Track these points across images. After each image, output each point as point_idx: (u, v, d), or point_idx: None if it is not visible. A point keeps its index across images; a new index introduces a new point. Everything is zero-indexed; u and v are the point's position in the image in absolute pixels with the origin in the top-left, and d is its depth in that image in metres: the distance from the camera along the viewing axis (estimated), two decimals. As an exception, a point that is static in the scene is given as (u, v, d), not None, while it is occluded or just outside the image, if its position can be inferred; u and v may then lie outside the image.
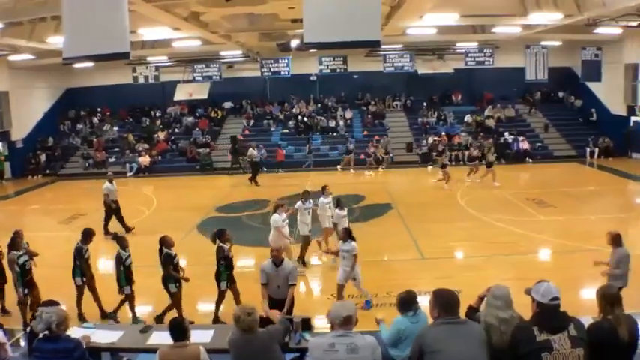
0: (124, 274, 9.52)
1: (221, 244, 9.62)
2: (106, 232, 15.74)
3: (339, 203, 12.86)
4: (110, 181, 16.77)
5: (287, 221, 11.87)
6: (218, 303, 9.51)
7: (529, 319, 4.58)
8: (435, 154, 26.08)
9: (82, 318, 9.48)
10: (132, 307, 9.72)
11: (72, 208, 20.31)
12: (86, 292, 9.90)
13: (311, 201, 12.95)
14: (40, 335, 5.29)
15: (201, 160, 29.05)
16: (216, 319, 9.39)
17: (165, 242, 9.40)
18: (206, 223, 17.41)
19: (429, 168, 26.04)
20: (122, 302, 9.77)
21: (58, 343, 5.21)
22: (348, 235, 9.79)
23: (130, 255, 9.71)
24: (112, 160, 29.80)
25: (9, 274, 9.81)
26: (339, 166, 27.76)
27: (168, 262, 9.25)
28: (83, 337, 6.40)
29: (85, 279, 9.82)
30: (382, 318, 6.13)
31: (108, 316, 9.78)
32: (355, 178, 25.56)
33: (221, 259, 9.47)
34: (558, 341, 4.28)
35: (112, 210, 16.42)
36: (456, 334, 4.49)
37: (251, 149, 25.82)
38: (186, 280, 9.40)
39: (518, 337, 4.50)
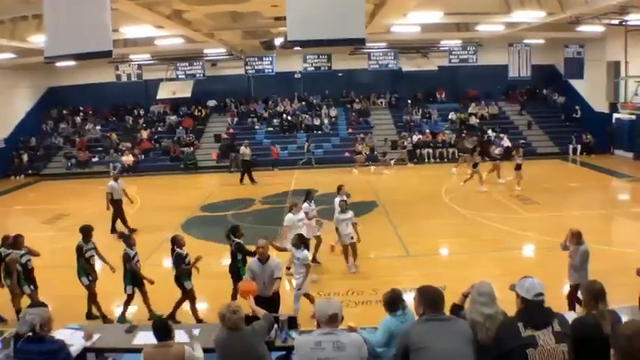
0: (131, 274, 9.51)
1: (236, 239, 9.60)
2: (113, 230, 15.71)
3: (307, 197, 12.68)
4: (115, 180, 16.59)
5: (303, 220, 11.54)
6: (235, 298, 9.36)
7: (514, 316, 4.60)
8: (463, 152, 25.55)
9: (96, 317, 9.56)
10: (125, 306, 9.64)
11: (55, 208, 20.12)
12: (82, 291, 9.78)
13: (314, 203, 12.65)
14: (24, 337, 5.23)
15: (185, 159, 28.92)
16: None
17: (176, 242, 9.45)
18: (191, 222, 17.35)
19: (454, 169, 24.86)
20: (142, 299, 9.75)
21: (42, 345, 5.16)
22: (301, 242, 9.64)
23: (137, 253, 9.66)
24: (95, 159, 29.56)
25: None
26: (354, 169, 26.46)
27: (180, 261, 9.31)
28: (86, 334, 6.43)
29: (90, 277, 9.66)
30: (355, 327, 5.92)
31: (92, 317, 9.69)
32: (342, 176, 25.51)
33: (239, 253, 9.49)
34: (543, 337, 4.29)
35: (114, 208, 16.16)
36: (441, 331, 4.47)
37: (243, 147, 25.66)
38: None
39: (502, 333, 4.52)
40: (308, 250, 9.79)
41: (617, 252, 9.13)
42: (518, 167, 20.45)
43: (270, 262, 8.07)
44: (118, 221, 16.04)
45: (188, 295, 9.44)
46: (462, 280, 9.80)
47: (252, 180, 24.34)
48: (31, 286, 9.47)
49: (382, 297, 6.13)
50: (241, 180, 24.44)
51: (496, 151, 22.19)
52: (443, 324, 4.56)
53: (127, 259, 9.40)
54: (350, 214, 11.62)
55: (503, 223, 15.34)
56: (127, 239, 9.81)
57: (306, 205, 12.19)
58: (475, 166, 20.77)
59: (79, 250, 9.69)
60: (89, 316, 9.75)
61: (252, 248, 8.87)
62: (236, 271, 9.51)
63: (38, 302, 7.07)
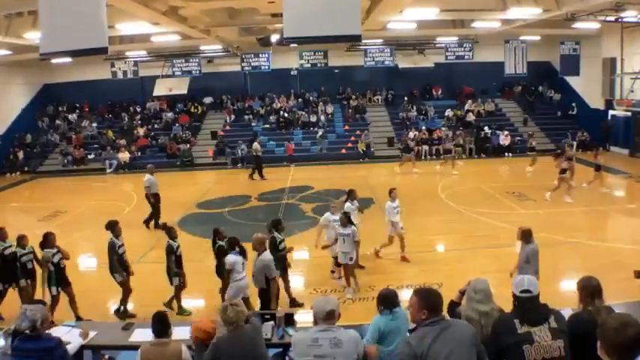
0: (175, 265, 9.54)
1: (276, 233, 9.67)
2: (157, 225, 15.82)
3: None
4: (151, 173, 16.69)
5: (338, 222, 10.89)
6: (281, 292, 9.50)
7: (510, 312, 4.62)
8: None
9: (125, 316, 9.47)
10: (177, 299, 9.72)
11: (51, 205, 20.06)
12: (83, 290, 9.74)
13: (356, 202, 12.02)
14: (21, 334, 5.22)
15: (182, 155, 28.89)
16: (293, 302, 9.83)
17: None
18: (187, 219, 17.36)
19: (529, 168, 23.91)
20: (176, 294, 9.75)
21: (39, 342, 5.14)
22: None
23: (179, 245, 9.70)
24: (92, 156, 29.51)
25: None
26: (397, 168, 24.88)
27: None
28: (83, 332, 6.42)
29: (124, 274, 9.58)
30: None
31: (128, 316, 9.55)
32: (338, 172, 25.54)
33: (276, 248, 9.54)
34: (539, 333, 4.32)
35: (154, 201, 16.36)
36: (446, 340, 4.19)
37: (256, 143, 25.81)
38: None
39: (498, 329, 4.55)
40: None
41: (611, 248, 9.18)
42: (597, 168, 19.58)
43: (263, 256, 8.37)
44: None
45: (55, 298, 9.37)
46: (458, 277, 9.88)
47: (261, 176, 24.63)
48: (58, 288, 9.30)
49: (378, 293, 6.16)
50: (251, 175, 24.70)
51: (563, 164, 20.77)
52: (446, 330, 4.24)
53: (171, 251, 9.50)
54: (350, 229, 10.21)
55: (499, 219, 15.37)
56: (170, 231, 9.83)
57: (348, 204, 11.65)
58: (598, 168, 19.65)
59: (112, 247, 9.51)
60: (124, 314, 9.58)
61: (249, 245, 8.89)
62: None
63: (35, 300, 7.07)
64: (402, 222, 11.89)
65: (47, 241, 9.33)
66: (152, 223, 16.12)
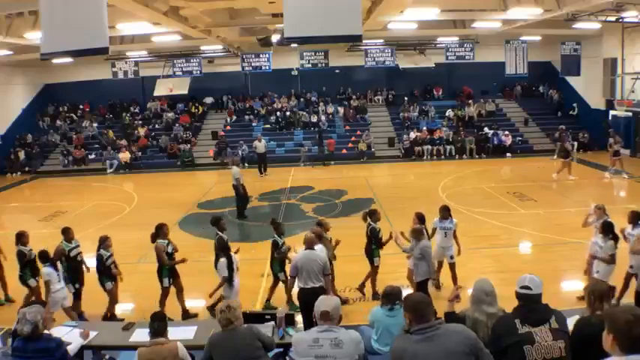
0: (279, 261, 9.63)
1: (277, 236, 9.80)
2: (242, 216, 16.84)
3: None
4: (237, 165, 17.51)
5: None
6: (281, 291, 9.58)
7: (511, 312, 4.63)
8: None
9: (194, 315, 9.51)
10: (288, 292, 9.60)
11: (52, 205, 20.08)
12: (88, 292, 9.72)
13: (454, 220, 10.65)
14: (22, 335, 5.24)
15: (182, 156, 28.88)
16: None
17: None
18: (187, 219, 17.34)
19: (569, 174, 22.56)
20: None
21: (38, 343, 5.18)
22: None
23: (284, 242, 9.79)
24: (92, 156, 29.52)
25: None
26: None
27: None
28: (83, 333, 6.42)
29: (171, 280, 9.48)
30: None
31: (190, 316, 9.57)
32: (338, 173, 25.54)
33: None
34: (540, 334, 4.34)
35: (241, 193, 17.13)
36: (429, 349, 3.98)
37: (257, 141, 26.21)
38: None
39: (499, 329, 4.58)
40: None
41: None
42: (616, 154, 21.41)
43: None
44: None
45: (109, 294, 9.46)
46: (458, 277, 9.91)
47: (264, 170, 25.62)
48: (76, 285, 9.41)
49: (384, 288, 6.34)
50: (260, 172, 25.62)
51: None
52: (437, 342, 4.01)
53: (276, 247, 9.61)
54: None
55: (500, 219, 15.36)
56: (278, 227, 9.95)
57: (436, 220, 10.72)
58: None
59: (101, 259, 9.42)
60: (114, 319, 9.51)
61: (242, 245, 8.89)
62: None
63: (34, 301, 7.12)
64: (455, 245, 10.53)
65: (68, 233, 9.64)
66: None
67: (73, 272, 9.40)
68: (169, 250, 9.37)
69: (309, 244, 8.11)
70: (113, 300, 9.41)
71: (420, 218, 9.86)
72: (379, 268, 9.92)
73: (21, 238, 9.69)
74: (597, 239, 8.90)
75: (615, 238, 8.74)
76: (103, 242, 9.46)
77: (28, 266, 9.59)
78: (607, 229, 8.80)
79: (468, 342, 4.07)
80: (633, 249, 8.52)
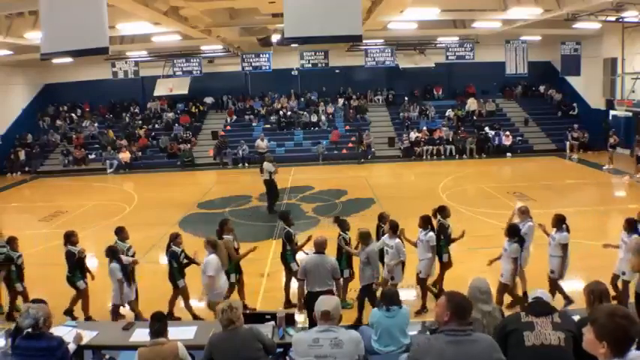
0: (346, 258, 9.66)
1: (342, 232, 9.83)
2: (272, 211, 17.25)
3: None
4: (270, 161, 18.12)
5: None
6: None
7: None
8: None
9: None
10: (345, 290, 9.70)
11: (52, 205, 20.07)
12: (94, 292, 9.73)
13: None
14: (24, 333, 5.24)
15: (182, 155, 28.88)
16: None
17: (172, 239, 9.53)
18: (188, 219, 17.34)
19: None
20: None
21: (40, 341, 5.18)
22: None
23: (296, 234, 9.91)
24: (92, 156, 29.51)
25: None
26: (627, 177, 21.67)
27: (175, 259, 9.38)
28: (77, 336, 6.41)
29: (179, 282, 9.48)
30: None
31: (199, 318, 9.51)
32: (338, 173, 25.52)
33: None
34: (541, 323, 4.59)
35: (273, 188, 17.79)
36: (457, 356, 3.96)
37: (259, 140, 26.22)
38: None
39: (505, 321, 4.93)
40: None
41: (613, 249, 9.19)
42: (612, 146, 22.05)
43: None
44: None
45: (180, 292, 9.47)
46: (458, 277, 9.89)
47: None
48: (183, 280, 9.48)
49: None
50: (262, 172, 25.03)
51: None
52: (466, 346, 4.01)
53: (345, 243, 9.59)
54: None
55: (500, 219, 15.29)
56: (343, 223, 9.95)
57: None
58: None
59: (176, 256, 9.44)
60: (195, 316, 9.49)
61: (243, 245, 8.89)
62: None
63: (37, 299, 7.11)
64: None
65: (122, 232, 9.71)
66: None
67: (129, 271, 9.36)
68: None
69: (319, 248, 8.03)
70: (187, 297, 9.43)
71: (426, 221, 9.74)
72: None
73: (70, 237, 9.51)
74: (504, 243, 8.94)
75: (520, 242, 8.80)
76: (175, 239, 9.49)
77: (77, 267, 9.47)
78: (512, 232, 8.87)
79: (493, 353, 4.06)
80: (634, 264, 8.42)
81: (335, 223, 10.23)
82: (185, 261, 9.49)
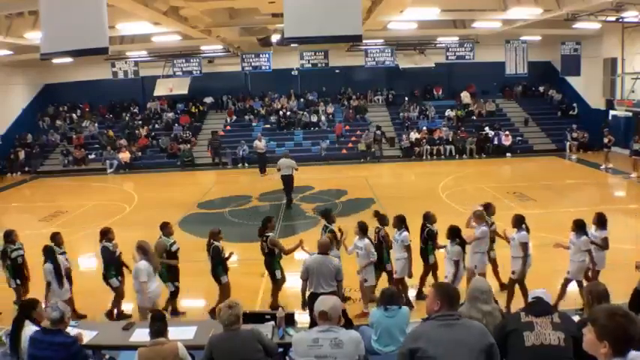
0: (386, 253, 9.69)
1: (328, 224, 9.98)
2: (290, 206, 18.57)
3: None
4: (286, 156, 19.14)
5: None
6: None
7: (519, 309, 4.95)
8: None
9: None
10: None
11: (52, 205, 20.08)
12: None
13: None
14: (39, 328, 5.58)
15: (182, 155, 28.87)
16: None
17: (213, 235, 9.53)
18: (188, 219, 17.34)
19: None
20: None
21: (57, 336, 5.40)
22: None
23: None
24: (92, 156, 29.50)
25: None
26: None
27: (217, 254, 9.37)
28: (77, 336, 6.45)
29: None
30: None
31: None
32: (338, 173, 25.50)
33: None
34: (541, 323, 4.59)
35: (292, 184, 18.75)
36: (453, 339, 4.03)
37: (257, 140, 26.35)
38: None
39: (505, 320, 4.95)
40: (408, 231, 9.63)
41: (612, 248, 9.18)
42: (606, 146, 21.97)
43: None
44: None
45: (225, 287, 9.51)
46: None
47: (263, 171, 25.65)
48: (226, 275, 9.51)
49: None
50: (262, 171, 25.74)
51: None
52: (457, 329, 4.11)
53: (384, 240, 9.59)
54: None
55: (500, 219, 15.26)
56: (382, 219, 10.00)
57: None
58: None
59: (218, 253, 9.43)
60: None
61: (242, 245, 8.87)
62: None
63: (31, 299, 7.20)
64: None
65: (166, 227, 9.68)
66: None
67: (175, 270, 9.45)
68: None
69: (322, 249, 8.02)
70: (227, 293, 9.36)
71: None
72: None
73: (107, 234, 9.53)
74: (447, 245, 9.04)
75: (462, 244, 8.88)
76: (216, 235, 9.53)
77: (112, 264, 9.43)
78: (452, 234, 8.94)
79: (483, 338, 4.13)
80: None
81: (375, 217, 10.23)
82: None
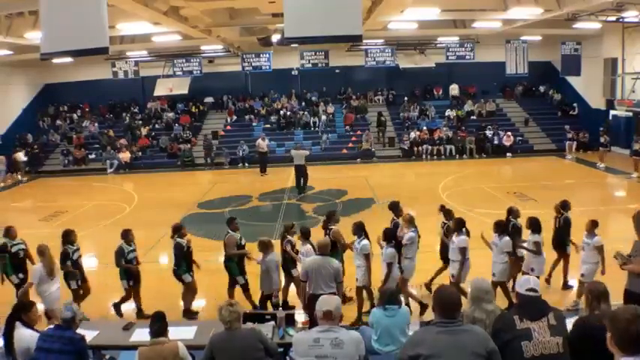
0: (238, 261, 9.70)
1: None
2: (302, 193, 20.18)
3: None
4: (297, 148, 20.86)
5: None
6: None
7: (510, 309, 4.67)
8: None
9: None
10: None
11: (52, 205, 20.09)
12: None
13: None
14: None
15: (182, 155, 28.86)
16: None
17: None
18: (188, 219, 17.31)
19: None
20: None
21: (67, 332, 5.56)
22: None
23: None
24: (92, 156, 29.50)
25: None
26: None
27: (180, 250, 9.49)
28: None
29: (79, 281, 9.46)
30: None
31: None
32: (338, 172, 25.50)
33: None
34: (538, 329, 4.39)
35: (306, 173, 20.34)
36: (454, 346, 4.01)
37: (260, 140, 26.33)
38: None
39: (498, 326, 4.62)
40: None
41: (612, 248, 9.17)
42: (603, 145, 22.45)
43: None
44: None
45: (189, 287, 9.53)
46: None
47: (264, 170, 25.84)
48: (191, 272, 9.61)
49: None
50: (262, 171, 25.87)
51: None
52: (458, 336, 4.07)
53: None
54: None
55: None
56: (396, 208, 10.13)
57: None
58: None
59: (178, 249, 9.54)
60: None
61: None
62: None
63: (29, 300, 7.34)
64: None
65: (178, 230, 9.73)
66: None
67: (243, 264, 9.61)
68: (75, 256, 9.42)
69: (322, 250, 7.99)
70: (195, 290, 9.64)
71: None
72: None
73: (180, 230, 9.69)
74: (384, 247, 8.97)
75: (397, 246, 8.92)
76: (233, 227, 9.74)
77: (184, 260, 9.53)
78: (386, 236, 8.94)
79: (484, 344, 4.10)
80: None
81: (390, 209, 10.41)
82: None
